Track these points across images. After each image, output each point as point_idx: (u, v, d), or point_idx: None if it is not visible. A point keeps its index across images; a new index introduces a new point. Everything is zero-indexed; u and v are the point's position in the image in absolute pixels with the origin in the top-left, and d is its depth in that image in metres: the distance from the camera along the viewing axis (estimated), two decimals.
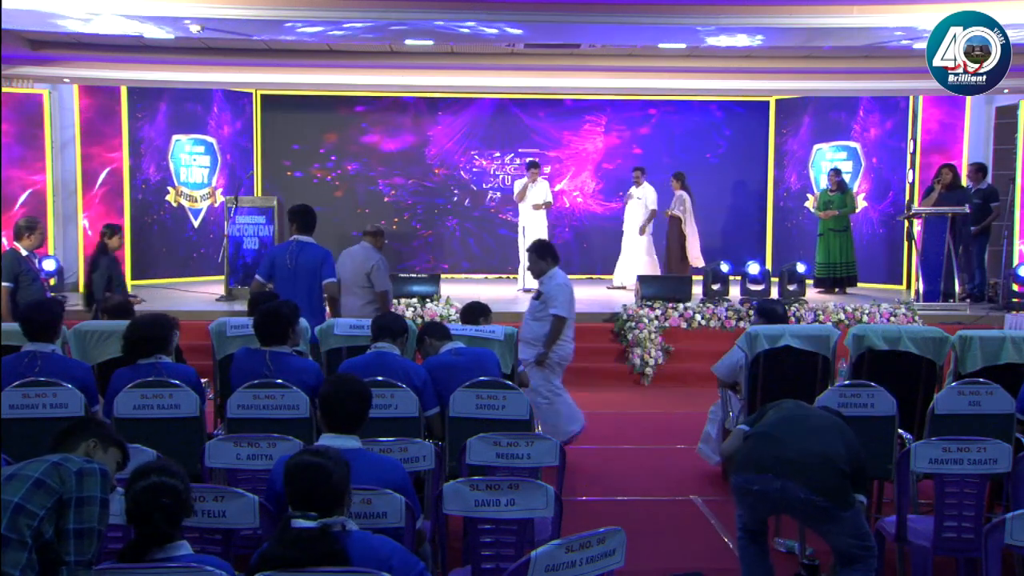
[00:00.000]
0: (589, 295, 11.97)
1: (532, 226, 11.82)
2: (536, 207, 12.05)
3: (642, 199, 12.48)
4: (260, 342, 4.92)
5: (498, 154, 14.57)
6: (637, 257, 12.49)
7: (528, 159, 12.83)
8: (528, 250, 7.10)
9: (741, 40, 9.44)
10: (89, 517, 2.59)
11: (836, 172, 12.40)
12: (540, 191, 12.20)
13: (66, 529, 2.56)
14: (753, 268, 11.25)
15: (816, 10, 8.49)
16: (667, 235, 12.84)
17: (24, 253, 7.52)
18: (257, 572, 2.69)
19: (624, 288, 12.36)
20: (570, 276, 7.04)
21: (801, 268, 11.33)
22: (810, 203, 13.59)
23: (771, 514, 4.31)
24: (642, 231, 12.49)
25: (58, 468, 2.61)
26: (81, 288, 10.78)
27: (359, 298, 7.44)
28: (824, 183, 12.84)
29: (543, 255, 6.83)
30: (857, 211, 12.51)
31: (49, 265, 10.51)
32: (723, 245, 14.01)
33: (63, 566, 2.55)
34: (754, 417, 4.30)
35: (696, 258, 12.67)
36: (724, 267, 11.20)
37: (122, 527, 3.12)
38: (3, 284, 7.14)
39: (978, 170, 11.27)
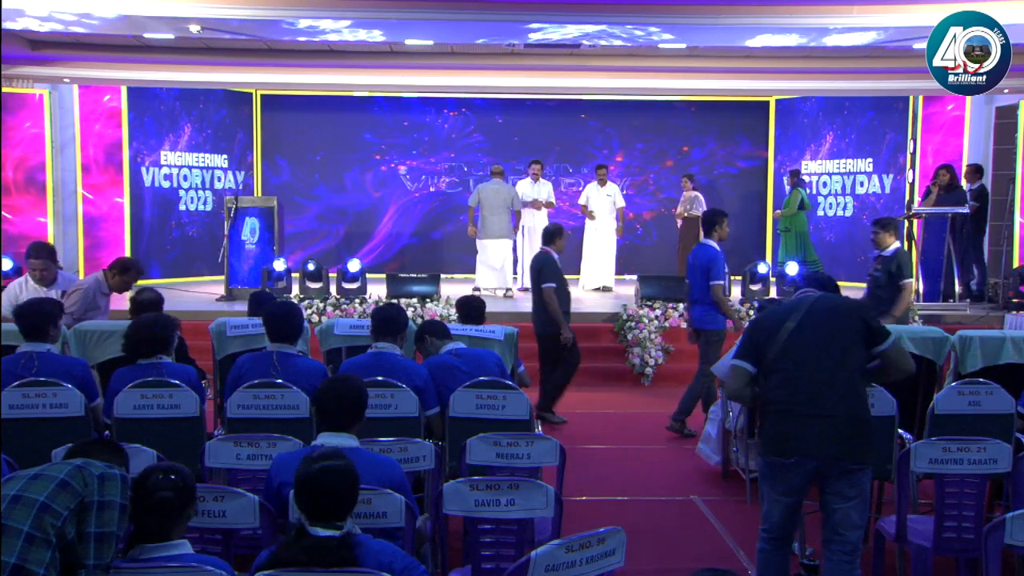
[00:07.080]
0: (590, 296, 12.01)
1: (534, 226, 11.80)
2: (536, 205, 12.04)
3: (611, 196, 12.37)
4: (269, 338, 4.90)
5: (497, 154, 14.57)
6: (609, 257, 12.44)
7: (532, 159, 12.73)
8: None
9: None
10: (109, 521, 2.59)
11: (793, 173, 12.63)
12: (542, 191, 12.19)
13: (87, 532, 2.56)
14: (762, 268, 11.26)
15: (816, 10, 8.49)
16: (681, 236, 12.85)
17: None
18: (264, 571, 2.69)
19: (608, 288, 12.32)
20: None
21: (794, 269, 11.27)
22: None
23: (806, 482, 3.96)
24: (620, 232, 12.49)
25: (81, 471, 2.61)
26: None
27: (503, 217, 11.32)
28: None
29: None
30: (795, 211, 12.44)
31: None
32: (723, 245, 13.95)
33: (82, 569, 2.55)
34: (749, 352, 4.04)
35: None
36: None
37: None
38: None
39: (975, 171, 11.28)
